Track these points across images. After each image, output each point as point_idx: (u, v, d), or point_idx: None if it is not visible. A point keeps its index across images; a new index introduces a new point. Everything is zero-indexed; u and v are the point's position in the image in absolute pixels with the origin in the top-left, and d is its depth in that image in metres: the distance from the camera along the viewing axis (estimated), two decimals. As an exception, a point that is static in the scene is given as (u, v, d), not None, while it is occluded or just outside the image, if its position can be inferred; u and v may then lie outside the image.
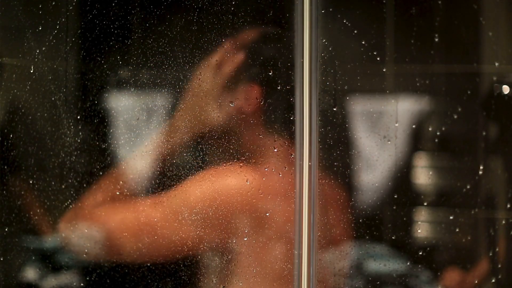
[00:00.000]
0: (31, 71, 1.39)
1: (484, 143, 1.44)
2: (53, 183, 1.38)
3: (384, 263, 1.37)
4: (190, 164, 1.31)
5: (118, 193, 1.33)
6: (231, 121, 1.30)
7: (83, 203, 1.35)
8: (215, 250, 1.30)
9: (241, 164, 1.29)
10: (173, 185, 1.31)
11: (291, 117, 1.29)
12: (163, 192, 1.31)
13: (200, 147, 1.30)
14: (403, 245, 1.40)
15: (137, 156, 1.34)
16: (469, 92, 1.44)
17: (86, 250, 1.34)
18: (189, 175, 1.30)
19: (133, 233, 1.31)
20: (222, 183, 1.29)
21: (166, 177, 1.32)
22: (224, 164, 1.29)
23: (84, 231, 1.34)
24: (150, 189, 1.32)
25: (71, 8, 1.39)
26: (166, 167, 1.31)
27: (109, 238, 1.32)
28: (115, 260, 1.33)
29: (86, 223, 1.34)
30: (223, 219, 1.29)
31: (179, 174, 1.31)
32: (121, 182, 1.33)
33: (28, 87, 1.40)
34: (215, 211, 1.28)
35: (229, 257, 1.30)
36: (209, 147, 1.30)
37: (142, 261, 1.32)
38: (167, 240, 1.29)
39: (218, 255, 1.30)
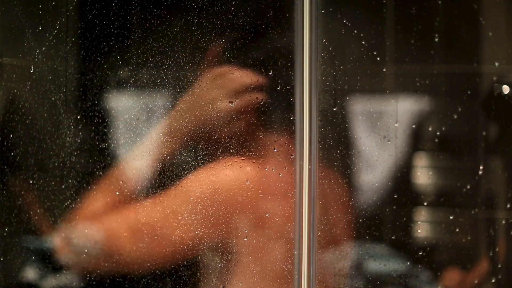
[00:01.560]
0: (31, 71, 1.39)
1: (484, 143, 1.44)
2: (53, 183, 1.38)
3: (384, 263, 1.37)
4: (189, 165, 1.31)
5: (117, 193, 1.33)
6: (231, 121, 1.30)
7: (84, 205, 1.35)
8: (216, 249, 1.30)
9: (241, 164, 1.29)
10: (172, 185, 1.31)
11: (291, 117, 1.29)
12: (162, 192, 1.31)
13: (200, 147, 1.30)
14: (403, 245, 1.40)
15: (136, 157, 1.34)
16: (469, 92, 1.43)
17: (86, 251, 1.34)
18: (188, 174, 1.30)
19: (133, 234, 1.31)
20: (222, 179, 1.29)
21: (165, 177, 1.32)
22: (224, 161, 1.29)
23: (84, 233, 1.34)
24: (149, 189, 1.32)
25: (71, 8, 1.39)
26: (165, 168, 1.31)
27: (110, 240, 1.32)
28: (116, 263, 1.33)
29: (87, 225, 1.34)
30: (223, 217, 1.29)
31: (179, 174, 1.31)
32: (120, 182, 1.33)
33: (28, 87, 1.40)
34: (216, 208, 1.28)
35: (229, 257, 1.30)
36: (209, 147, 1.30)
37: (144, 262, 1.32)
38: (167, 241, 1.29)
39: (218, 254, 1.30)
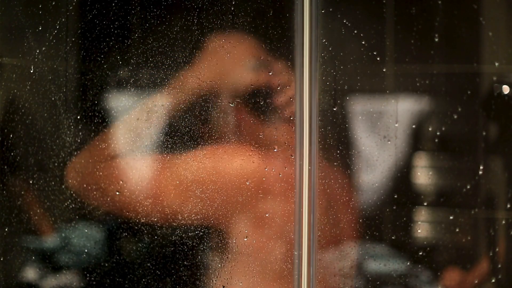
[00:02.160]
0: (31, 71, 1.39)
1: (484, 143, 1.44)
2: (53, 183, 1.38)
3: (384, 263, 1.37)
4: (189, 164, 1.31)
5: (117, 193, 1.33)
6: (231, 121, 1.30)
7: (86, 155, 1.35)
8: (216, 248, 1.30)
9: (241, 164, 1.29)
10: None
11: (291, 117, 1.29)
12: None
13: (201, 147, 1.30)
14: (403, 245, 1.40)
15: (136, 156, 1.34)
16: (469, 92, 1.44)
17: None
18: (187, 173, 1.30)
19: (130, 207, 1.31)
20: (222, 179, 1.29)
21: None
22: (224, 161, 1.29)
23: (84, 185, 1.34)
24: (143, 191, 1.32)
25: (71, 8, 1.39)
26: (166, 165, 1.31)
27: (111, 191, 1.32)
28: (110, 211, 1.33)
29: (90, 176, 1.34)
30: (223, 216, 1.29)
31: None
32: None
33: (28, 87, 1.40)
34: (216, 208, 1.28)
35: (229, 256, 1.30)
36: (209, 147, 1.30)
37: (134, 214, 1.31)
38: (164, 203, 1.29)
39: (218, 254, 1.30)
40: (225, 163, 1.29)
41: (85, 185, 1.34)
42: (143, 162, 1.33)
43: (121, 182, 1.32)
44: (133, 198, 1.32)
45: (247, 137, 1.30)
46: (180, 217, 1.29)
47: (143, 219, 1.31)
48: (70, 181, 1.36)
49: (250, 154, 1.29)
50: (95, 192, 1.33)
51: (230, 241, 1.29)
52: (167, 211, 1.30)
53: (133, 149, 1.34)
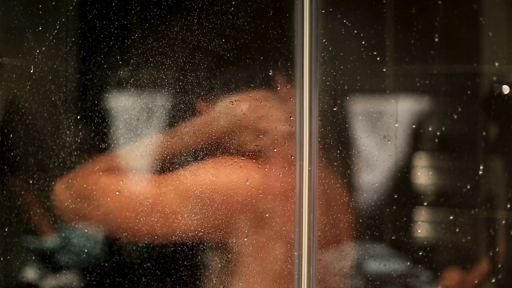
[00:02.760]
0: (31, 71, 1.39)
1: (484, 143, 1.44)
2: (53, 183, 1.38)
3: (384, 263, 1.37)
4: (189, 165, 1.31)
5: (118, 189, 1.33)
6: (232, 121, 1.30)
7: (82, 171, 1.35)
8: (216, 249, 1.30)
9: (241, 164, 1.29)
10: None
11: (291, 117, 1.29)
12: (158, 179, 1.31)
13: (200, 147, 1.30)
14: (403, 245, 1.40)
15: (136, 156, 1.34)
16: (469, 92, 1.44)
17: (78, 216, 1.34)
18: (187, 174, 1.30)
19: (130, 207, 1.30)
20: (222, 179, 1.29)
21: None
22: (224, 161, 1.29)
23: (79, 198, 1.34)
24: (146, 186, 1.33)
25: (71, 8, 1.39)
26: (165, 167, 1.31)
27: (105, 209, 1.32)
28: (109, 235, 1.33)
29: (83, 191, 1.33)
30: (223, 217, 1.29)
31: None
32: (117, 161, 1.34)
33: (28, 87, 1.40)
34: (216, 208, 1.28)
35: (229, 257, 1.30)
36: (209, 147, 1.30)
37: (139, 237, 1.31)
38: (165, 220, 1.29)
39: (218, 254, 1.30)
40: (225, 163, 1.29)
41: (85, 186, 1.34)
42: (143, 162, 1.33)
43: (121, 182, 1.32)
44: (133, 198, 1.32)
45: (247, 137, 1.29)
46: (180, 217, 1.29)
47: (143, 219, 1.31)
48: (60, 198, 1.36)
49: (250, 153, 1.29)
50: (95, 193, 1.33)
51: (230, 241, 1.29)
52: (167, 211, 1.30)
53: (132, 149, 1.34)
